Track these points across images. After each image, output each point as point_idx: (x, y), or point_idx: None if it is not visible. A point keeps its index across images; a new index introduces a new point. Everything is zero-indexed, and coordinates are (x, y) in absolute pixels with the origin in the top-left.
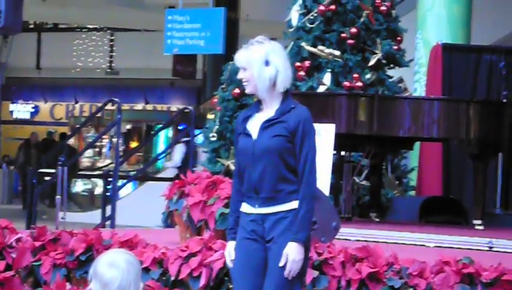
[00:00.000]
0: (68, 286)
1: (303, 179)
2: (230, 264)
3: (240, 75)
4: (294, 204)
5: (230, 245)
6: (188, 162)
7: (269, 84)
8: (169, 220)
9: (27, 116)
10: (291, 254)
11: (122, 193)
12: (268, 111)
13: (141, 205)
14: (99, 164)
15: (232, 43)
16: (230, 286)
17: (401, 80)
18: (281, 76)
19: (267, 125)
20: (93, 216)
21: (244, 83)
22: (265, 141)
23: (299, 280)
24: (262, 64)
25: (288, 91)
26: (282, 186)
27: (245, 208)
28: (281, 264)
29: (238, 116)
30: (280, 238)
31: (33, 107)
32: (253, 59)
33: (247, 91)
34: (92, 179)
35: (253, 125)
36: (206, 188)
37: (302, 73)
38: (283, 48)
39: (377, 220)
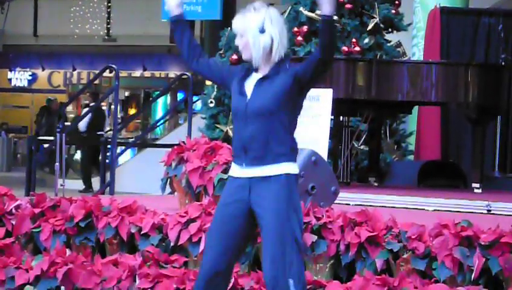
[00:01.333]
0: (68, 252)
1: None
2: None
3: (237, 41)
4: (282, 167)
5: None
6: (96, 127)
7: (263, 53)
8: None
9: (25, 83)
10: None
11: (121, 159)
12: (262, 72)
13: (140, 172)
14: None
15: (229, 9)
16: None
17: (399, 44)
18: (276, 44)
19: (260, 83)
20: (93, 183)
21: (240, 49)
22: (259, 100)
23: (296, 241)
24: (258, 32)
25: (283, 58)
26: (272, 146)
27: (233, 170)
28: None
29: (236, 67)
30: (270, 204)
31: (31, 75)
32: (248, 26)
33: (244, 57)
34: None
35: (249, 85)
36: (204, 154)
37: (300, 38)
38: (280, 14)
39: (376, 184)
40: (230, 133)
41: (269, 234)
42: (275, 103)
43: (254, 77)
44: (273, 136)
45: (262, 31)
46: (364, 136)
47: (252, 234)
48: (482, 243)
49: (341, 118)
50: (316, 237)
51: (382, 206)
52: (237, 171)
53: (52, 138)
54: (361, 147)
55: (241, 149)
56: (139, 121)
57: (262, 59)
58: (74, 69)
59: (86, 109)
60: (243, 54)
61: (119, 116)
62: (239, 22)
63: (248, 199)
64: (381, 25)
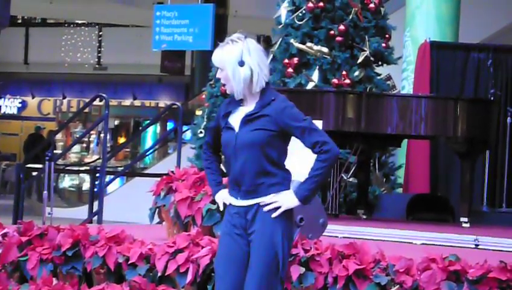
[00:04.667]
0: (55, 281)
1: (322, 148)
2: (222, 207)
3: (218, 74)
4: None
5: (224, 192)
6: None
7: (244, 85)
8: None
9: (15, 111)
10: (283, 197)
11: (109, 188)
12: (249, 105)
13: (128, 201)
14: (87, 160)
15: (220, 39)
16: None
17: (389, 78)
18: (255, 76)
19: (248, 119)
20: (81, 212)
21: (221, 83)
22: (247, 135)
23: (277, 275)
24: (236, 65)
25: (268, 84)
26: (262, 179)
27: (230, 199)
28: (267, 206)
29: (220, 105)
30: (261, 228)
31: (20, 102)
32: (227, 60)
33: (227, 91)
34: (80, 174)
35: (235, 119)
36: (193, 184)
37: (290, 70)
38: (258, 45)
39: (364, 217)
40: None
41: (257, 263)
42: (263, 138)
43: (241, 111)
44: (264, 168)
45: (241, 63)
46: (353, 169)
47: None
48: (470, 278)
49: None
50: (303, 269)
51: (370, 239)
52: (233, 201)
53: (40, 165)
54: (350, 179)
55: (235, 183)
56: (128, 150)
57: (244, 91)
58: (64, 97)
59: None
60: (226, 87)
61: (108, 144)
62: (217, 56)
63: (244, 225)
64: (372, 58)
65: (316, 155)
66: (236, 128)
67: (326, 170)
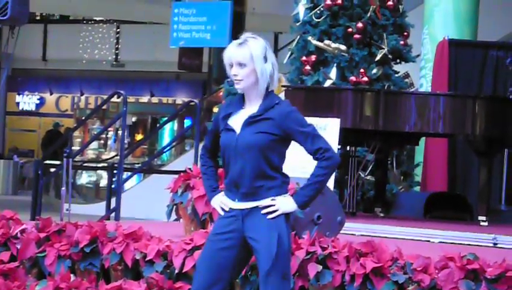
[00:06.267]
0: (72, 277)
1: (324, 155)
2: (221, 212)
3: (236, 71)
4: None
5: (220, 196)
6: None
7: (268, 81)
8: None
9: (33, 107)
10: (282, 201)
11: (127, 185)
12: (251, 107)
13: (146, 198)
14: (105, 156)
15: (238, 36)
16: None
17: (407, 75)
18: (275, 72)
19: (251, 121)
20: (98, 208)
21: (237, 80)
22: (248, 137)
23: (286, 275)
24: (263, 60)
25: (268, 89)
26: (262, 182)
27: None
28: (266, 209)
29: (219, 110)
30: (260, 231)
31: (39, 99)
32: (255, 55)
33: (239, 88)
34: (97, 171)
35: (236, 121)
36: None
37: (308, 67)
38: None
39: (382, 215)
40: None
41: (262, 271)
42: (265, 141)
43: (243, 113)
44: (263, 171)
45: (265, 59)
46: (370, 167)
47: (246, 262)
48: (488, 277)
49: (348, 147)
50: (321, 267)
51: (388, 237)
52: (231, 203)
53: (58, 162)
54: (368, 177)
55: (233, 185)
56: (145, 146)
57: (259, 88)
58: (82, 94)
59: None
60: (239, 84)
61: (126, 141)
62: (241, 52)
63: (242, 229)
64: (390, 56)
65: (316, 162)
66: (238, 130)
67: (327, 177)
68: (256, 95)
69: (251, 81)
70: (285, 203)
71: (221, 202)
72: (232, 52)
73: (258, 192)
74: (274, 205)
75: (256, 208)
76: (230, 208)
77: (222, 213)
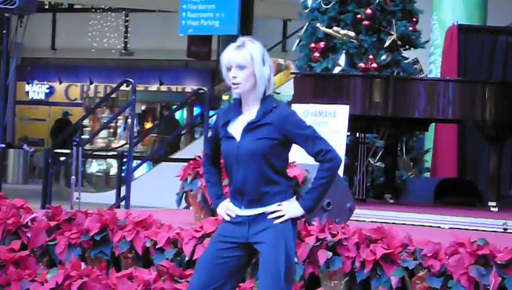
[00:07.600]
0: (83, 265)
1: (326, 156)
2: (228, 218)
3: (235, 73)
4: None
5: (225, 203)
6: None
7: (266, 84)
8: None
9: (42, 96)
10: (288, 206)
11: (136, 173)
12: (250, 113)
13: (155, 186)
14: (114, 145)
15: (246, 24)
16: None
17: (416, 61)
18: (272, 76)
19: (250, 127)
20: (108, 197)
21: (235, 84)
22: (249, 144)
23: (290, 280)
24: (262, 63)
25: (265, 94)
26: (266, 188)
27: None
28: (272, 214)
29: (217, 116)
30: (267, 238)
31: (48, 88)
32: (255, 58)
33: (237, 92)
34: (107, 159)
35: (236, 128)
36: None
37: (317, 54)
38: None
39: (392, 201)
40: None
41: (265, 272)
42: (266, 147)
43: (241, 119)
44: (267, 177)
45: (263, 62)
46: (380, 153)
47: (244, 270)
48: (499, 262)
49: (357, 134)
50: (331, 253)
51: (398, 224)
52: (237, 211)
53: (68, 151)
54: (377, 163)
55: (238, 193)
56: (155, 134)
57: (257, 92)
58: (91, 83)
59: None
60: (237, 88)
61: (135, 130)
62: (240, 54)
63: (247, 235)
64: (399, 42)
65: (318, 163)
66: (238, 137)
67: (330, 179)
68: (254, 99)
69: (250, 84)
70: (291, 208)
71: (228, 208)
72: (231, 55)
73: (264, 198)
74: (281, 211)
75: (263, 214)
76: (236, 215)
77: (228, 219)
